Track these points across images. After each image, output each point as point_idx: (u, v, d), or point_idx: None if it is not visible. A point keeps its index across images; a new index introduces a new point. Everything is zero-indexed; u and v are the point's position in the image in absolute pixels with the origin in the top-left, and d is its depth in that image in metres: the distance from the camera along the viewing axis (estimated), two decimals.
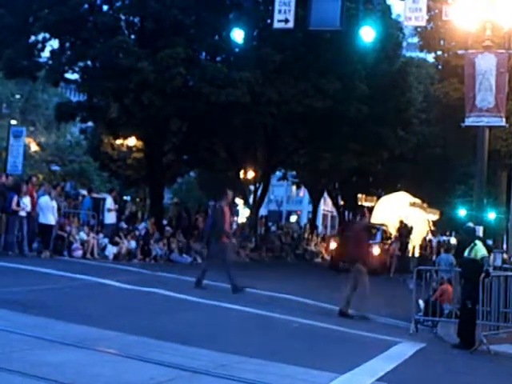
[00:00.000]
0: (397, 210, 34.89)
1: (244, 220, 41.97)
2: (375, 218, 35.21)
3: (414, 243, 33.38)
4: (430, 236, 37.95)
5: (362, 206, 51.94)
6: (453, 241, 38.51)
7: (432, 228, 42.26)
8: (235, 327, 10.97)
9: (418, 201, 37.41)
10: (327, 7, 17.35)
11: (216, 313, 12.22)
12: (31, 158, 44.15)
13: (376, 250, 28.96)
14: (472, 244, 12.12)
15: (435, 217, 40.61)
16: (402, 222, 32.78)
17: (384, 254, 29.23)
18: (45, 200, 19.92)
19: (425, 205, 38.30)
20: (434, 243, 37.69)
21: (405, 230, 32.25)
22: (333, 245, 31.45)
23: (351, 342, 10.94)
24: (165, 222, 28.96)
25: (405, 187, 40.74)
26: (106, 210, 23.32)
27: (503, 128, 19.27)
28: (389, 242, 30.91)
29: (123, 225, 23.93)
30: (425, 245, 32.96)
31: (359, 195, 51.58)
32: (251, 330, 10.84)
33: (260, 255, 32.40)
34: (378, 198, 46.19)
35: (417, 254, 32.58)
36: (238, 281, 15.18)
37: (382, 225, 31.99)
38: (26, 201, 19.08)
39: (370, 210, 40.43)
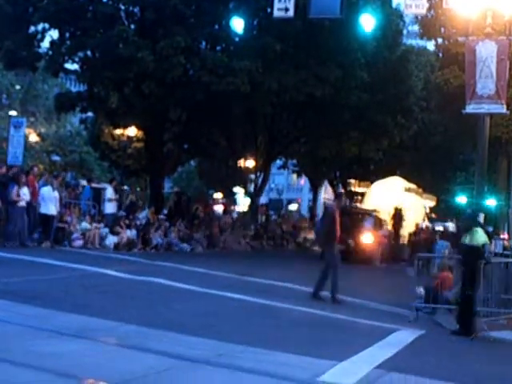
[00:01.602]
0: (391, 196, 33.79)
1: (245, 209, 41.93)
2: (367, 204, 34.55)
3: (409, 230, 32.57)
4: (426, 222, 37.10)
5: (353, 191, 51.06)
6: (451, 228, 37.82)
7: (432, 215, 41.84)
8: (235, 316, 10.99)
9: (413, 186, 36.50)
10: None
11: (216, 302, 12.23)
12: (32, 149, 44.07)
13: (366, 238, 27.72)
14: (472, 230, 12.08)
15: (432, 203, 40.00)
16: (396, 209, 32.09)
17: (375, 242, 28.14)
18: (47, 190, 19.94)
19: (420, 190, 37.42)
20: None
21: (399, 217, 31.72)
22: None
23: (350, 329, 10.96)
24: (165, 211, 28.96)
25: (405, 174, 40.43)
26: (107, 200, 23.38)
27: (504, 115, 19.29)
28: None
29: (122, 213, 23.96)
30: (418, 231, 32.16)
31: (352, 181, 50.32)
32: (251, 319, 10.86)
33: (261, 243, 32.46)
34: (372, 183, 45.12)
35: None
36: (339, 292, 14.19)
37: (374, 211, 31.06)
38: (25, 191, 19.10)
39: (362, 195, 39.97)
